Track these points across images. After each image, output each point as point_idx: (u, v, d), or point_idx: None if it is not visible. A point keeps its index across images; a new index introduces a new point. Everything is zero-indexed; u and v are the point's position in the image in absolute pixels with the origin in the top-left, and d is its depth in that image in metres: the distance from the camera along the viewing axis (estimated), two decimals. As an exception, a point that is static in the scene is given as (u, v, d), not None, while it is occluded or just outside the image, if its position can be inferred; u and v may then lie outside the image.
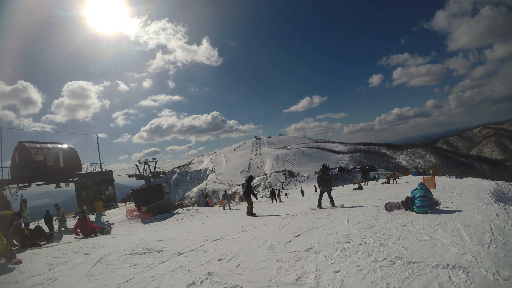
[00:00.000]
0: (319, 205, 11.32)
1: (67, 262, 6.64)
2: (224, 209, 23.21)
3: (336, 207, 11.06)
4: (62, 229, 14.73)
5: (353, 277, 4.02)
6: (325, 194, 11.61)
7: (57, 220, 16.11)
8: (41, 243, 9.50)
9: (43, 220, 20.25)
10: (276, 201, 27.58)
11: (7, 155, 22.04)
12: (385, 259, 4.47)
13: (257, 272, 4.77)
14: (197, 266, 5.40)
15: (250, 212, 12.24)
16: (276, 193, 30.35)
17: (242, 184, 12.01)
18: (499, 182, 15.57)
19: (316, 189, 43.89)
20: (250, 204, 12.38)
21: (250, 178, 13.09)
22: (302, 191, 48.07)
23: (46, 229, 12.08)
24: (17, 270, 6.17)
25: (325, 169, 12.32)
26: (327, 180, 11.42)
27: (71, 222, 18.08)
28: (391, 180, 34.45)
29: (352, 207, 10.64)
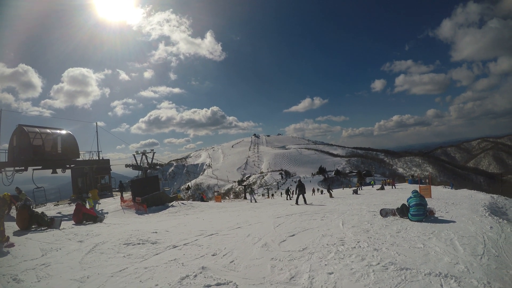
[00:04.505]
0: (296, 203, 16.54)
1: (60, 249, 6.64)
2: (251, 202, 26.76)
3: (308, 204, 15.60)
4: None
5: (346, 279, 4.07)
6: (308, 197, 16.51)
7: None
8: (43, 228, 9.45)
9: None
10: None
11: (5, 138, 21.76)
12: (378, 263, 4.53)
13: (251, 269, 4.81)
14: (191, 260, 5.43)
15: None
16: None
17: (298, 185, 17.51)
18: (494, 195, 15.60)
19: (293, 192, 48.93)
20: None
21: (300, 181, 18.11)
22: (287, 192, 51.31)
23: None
24: (10, 253, 6.16)
25: (300, 181, 18.02)
26: (302, 187, 17.01)
27: (65, 209, 18.07)
28: (389, 186, 34.58)
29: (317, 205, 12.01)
